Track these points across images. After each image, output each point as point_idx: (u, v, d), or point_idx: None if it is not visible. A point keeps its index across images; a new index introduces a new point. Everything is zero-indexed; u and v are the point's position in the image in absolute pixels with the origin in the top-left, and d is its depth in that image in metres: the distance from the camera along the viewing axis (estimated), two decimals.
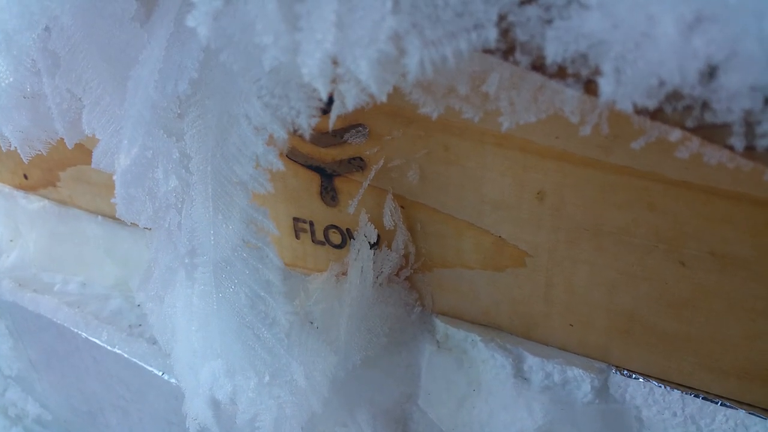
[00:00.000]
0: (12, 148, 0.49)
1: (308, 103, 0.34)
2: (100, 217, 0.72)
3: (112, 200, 0.44)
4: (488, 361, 0.50)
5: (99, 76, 0.42)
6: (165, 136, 0.42)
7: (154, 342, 0.66)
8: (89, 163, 0.70)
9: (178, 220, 0.46)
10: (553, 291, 0.47)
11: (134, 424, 0.73)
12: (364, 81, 0.29)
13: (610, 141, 0.40)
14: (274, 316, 0.43)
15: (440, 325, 0.53)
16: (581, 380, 0.47)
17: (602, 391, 0.47)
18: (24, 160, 0.49)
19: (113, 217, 0.72)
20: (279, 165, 0.38)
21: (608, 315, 0.46)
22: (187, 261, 0.47)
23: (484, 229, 0.48)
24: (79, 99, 0.45)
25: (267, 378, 0.44)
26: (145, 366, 0.64)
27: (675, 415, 0.45)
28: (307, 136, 0.35)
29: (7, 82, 0.43)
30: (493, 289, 0.50)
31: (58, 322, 0.71)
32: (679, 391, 0.45)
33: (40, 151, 0.50)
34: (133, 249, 0.71)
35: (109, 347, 0.67)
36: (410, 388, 0.54)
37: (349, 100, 0.31)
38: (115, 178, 0.41)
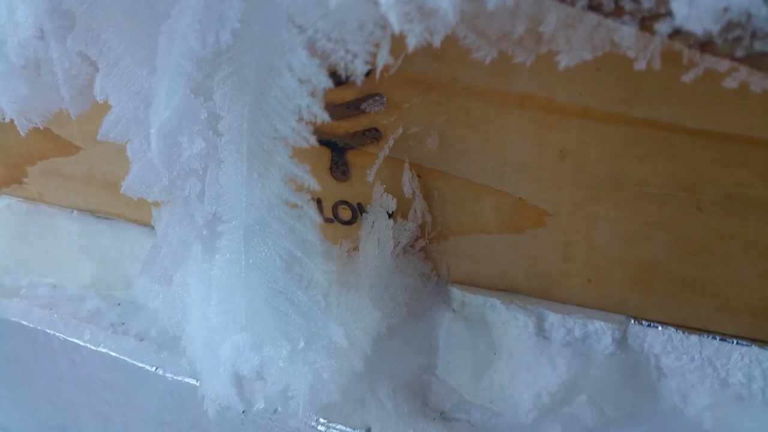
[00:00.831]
0: (7, 120, 0.46)
1: (365, 47, 0.34)
2: (75, 211, 0.68)
3: (150, 154, 0.41)
4: (510, 322, 0.51)
5: (119, 35, 0.41)
6: (192, 96, 0.40)
7: (142, 338, 0.63)
8: (63, 154, 0.67)
9: (200, 188, 0.44)
10: (573, 248, 0.48)
11: (117, 430, 0.68)
12: (443, 8, 0.30)
13: (632, 95, 0.42)
14: (311, 277, 0.42)
15: (457, 293, 0.53)
16: (602, 333, 0.48)
17: (622, 343, 0.49)
18: (21, 133, 0.46)
19: (90, 211, 0.68)
20: (324, 117, 0.37)
21: (627, 267, 0.48)
22: (205, 232, 0.46)
23: (503, 192, 0.49)
24: (91, 64, 0.44)
25: (302, 344, 0.43)
26: (136, 363, 0.61)
27: (693, 359, 0.47)
28: (359, 82, 0.35)
29: (14, 41, 0.41)
30: (511, 253, 0.51)
31: (30, 325, 0.66)
32: (697, 335, 0.47)
33: (36, 123, 0.47)
34: (112, 244, 0.67)
35: (92, 347, 0.63)
36: (429, 359, 0.53)
37: (411, 40, 0.32)
38: (151, 132, 0.39)
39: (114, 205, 0.66)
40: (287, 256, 0.42)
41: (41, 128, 0.48)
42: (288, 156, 0.39)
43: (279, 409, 0.52)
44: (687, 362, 0.47)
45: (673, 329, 0.47)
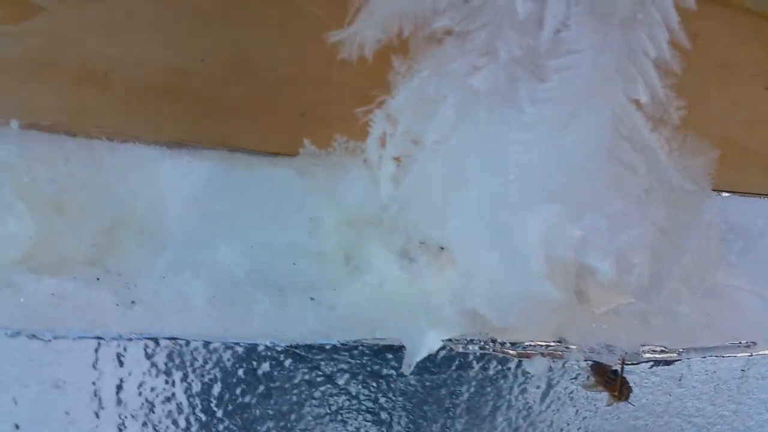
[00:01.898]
0: None
1: None
2: (13, 123, 0.38)
3: None
4: None
5: None
6: None
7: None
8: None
9: (530, 8, 0.33)
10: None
11: None
12: None
13: None
14: (661, 115, 0.37)
15: None
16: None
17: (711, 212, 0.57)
18: None
19: (39, 126, 0.39)
20: None
21: (711, 143, 0.56)
22: (503, 76, 0.35)
23: None
24: None
25: (639, 198, 0.37)
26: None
27: (751, 219, 0.59)
28: None
29: None
30: None
31: None
32: (757, 198, 0.59)
33: None
34: (85, 178, 0.40)
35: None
36: None
37: None
38: None
39: (98, 112, 0.40)
40: (648, 86, 0.36)
41: None
42: None
43: None
44: (746, 222, 0.59)
45: (738, 196, 0.58)
